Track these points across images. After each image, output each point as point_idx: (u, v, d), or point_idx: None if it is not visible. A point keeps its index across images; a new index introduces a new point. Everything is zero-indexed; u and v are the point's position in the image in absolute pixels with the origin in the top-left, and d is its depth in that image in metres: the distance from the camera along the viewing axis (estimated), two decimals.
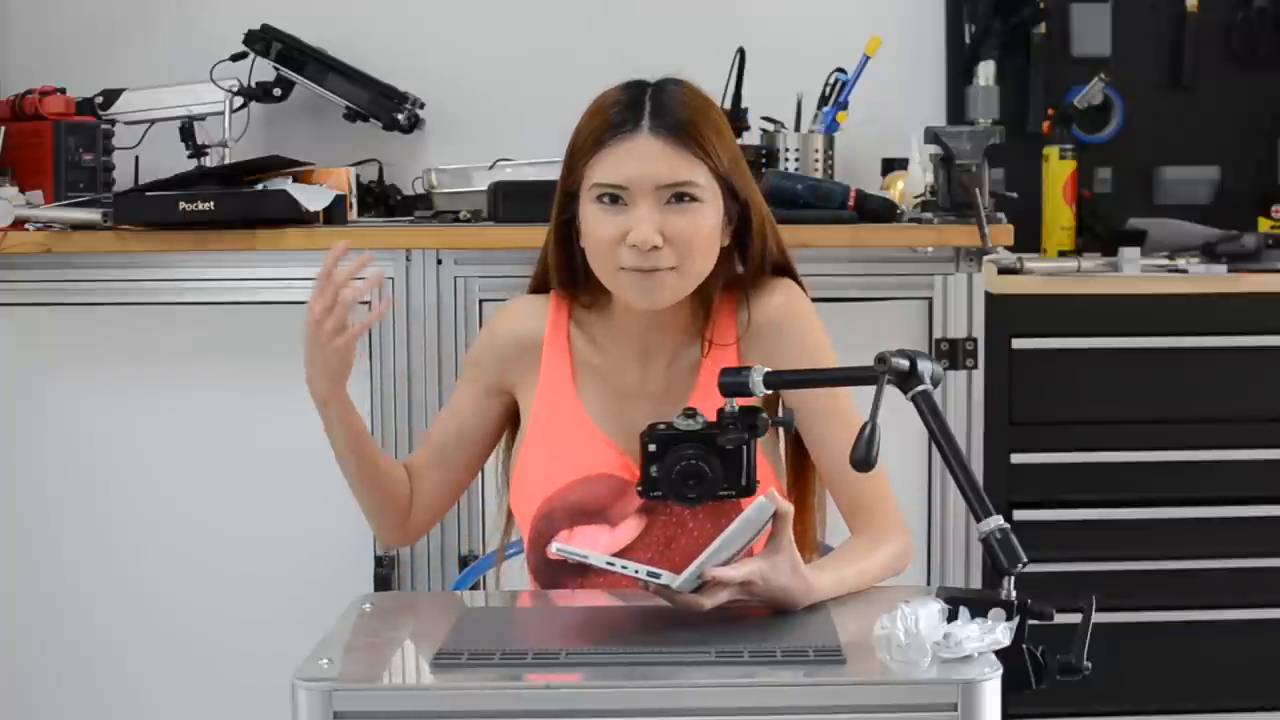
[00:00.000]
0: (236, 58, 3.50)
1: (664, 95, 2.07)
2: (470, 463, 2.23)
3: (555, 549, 1.83)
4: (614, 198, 2.03)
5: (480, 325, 3.15)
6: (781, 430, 2.15)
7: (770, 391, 1.97)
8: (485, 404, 2.20)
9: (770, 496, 1.79)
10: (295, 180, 3.21)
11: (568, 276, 2.16)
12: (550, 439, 2.13)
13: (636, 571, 1.79)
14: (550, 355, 2.15)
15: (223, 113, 3.41)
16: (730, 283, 2.15)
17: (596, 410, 2.13)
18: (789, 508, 1.83)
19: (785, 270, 2.17)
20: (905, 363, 1.81)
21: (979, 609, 1.69)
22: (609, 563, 1.80)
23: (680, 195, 2.03)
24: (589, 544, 2.05)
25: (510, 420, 2.23)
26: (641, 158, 2.02)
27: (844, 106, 3.45)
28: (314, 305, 2.02)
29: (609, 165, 2.03)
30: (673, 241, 2.02)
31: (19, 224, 3.10)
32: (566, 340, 2.16)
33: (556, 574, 2.11)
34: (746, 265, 2.15)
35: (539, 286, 2.22)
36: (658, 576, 1.77)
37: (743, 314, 2.14)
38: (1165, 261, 3.48)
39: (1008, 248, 3.27)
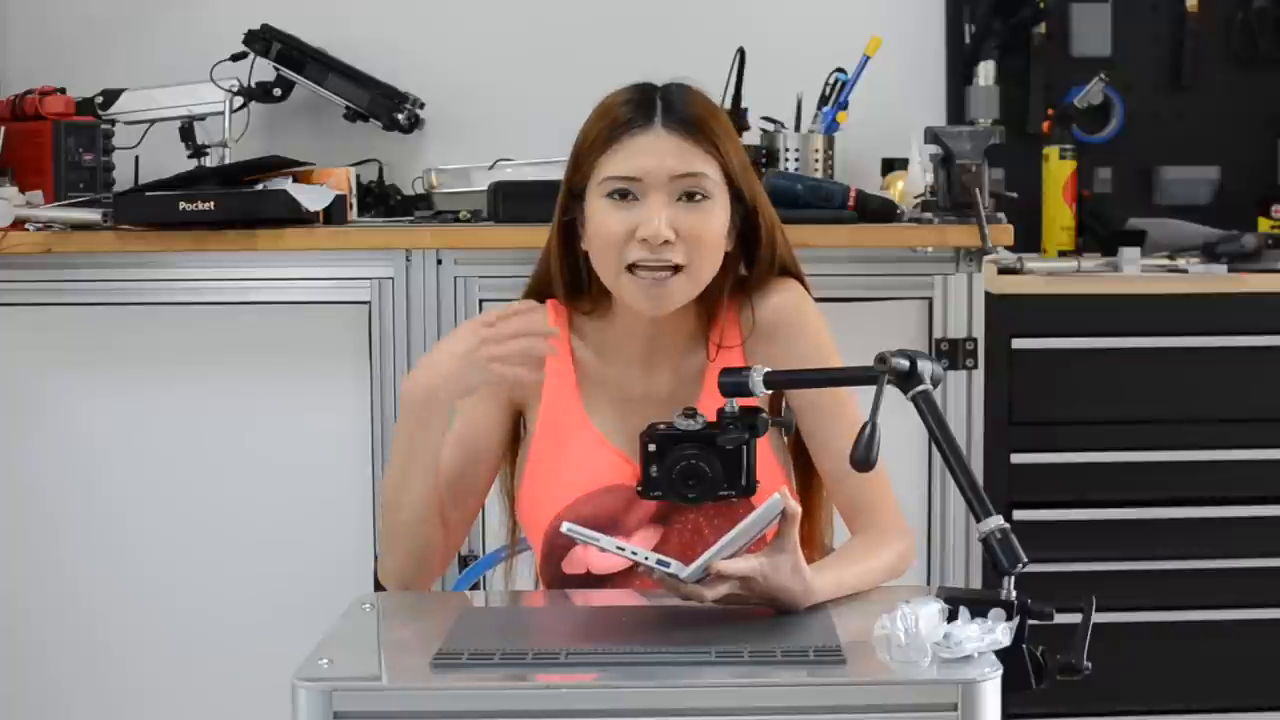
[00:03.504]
0: (236, 58, 3.50)
1: (674, 95, 2.07)
2: (489, 479, 2.18)
3: (565, 528, 1.82)
4: (624, 192, 2.02)
5: None
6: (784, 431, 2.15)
7: (770, 392, 1.97)
8: (503, 422, 2.16)
9: (783, 495, 1.79)
10: (295, 180, 3.21)
11: (569, 281, 2.15)
12: (559, 452, 2.11)
13: (646, 558, 1.79)
14: (554, 366, 2.12)
15: (223, 113, 3.40)
16: (735, 287, 2.14)
17: (603, 420, 2.11)
18: (798, 509, 1.83)
19: (793, 274, 2.17)
20: (905, 363, 1.82)
21: (979, 609, 1.69)
22: (619, 547, 1.80)
23: (692, 192, 2.03)
24: (608, 554, 2.03)
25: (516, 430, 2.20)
26: (654, 152, 2.02)
27: (844, 106, 3.45)
28: (494, 324, 1.96)
29: (621, 158, 2.03)
30: (683, 238, 2.02)
31: (19, 224, 3.10)
32: (569, 350, 2.15)
33: (571, 589, 2.10)
34: (753, 270, 2.14)
35: (533, 296, 2.19)
36: (667, 565, 1.77)
37: (746, 316, 2.13)
38: (1165, 261, 3.48)
39: (1008, 248, 3.28)
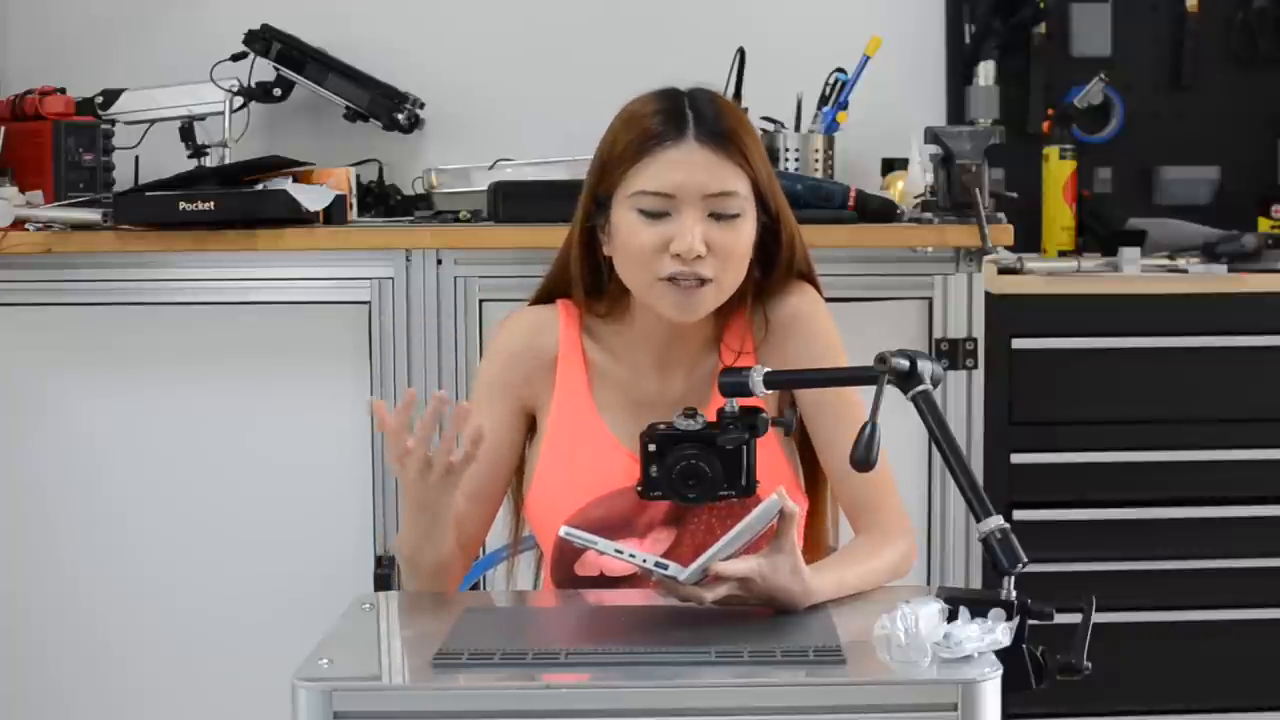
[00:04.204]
0: (236, 58, 3.50)
1: (703, 104, 2.05)
2: (507, 484, 2.18)
3: (564, 532, 1.82)
4: (657, 207, 2.01)
5: (480, 326, 3.16)
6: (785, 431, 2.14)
7: (771, 392, 1.97)
8: (516, 425, 2.15)
9: (780, 495, 1.79)
10: (295, 180, 3.21)
11: (590, 284, 2.14)
12: (571, 455, 2.11)
13: (645, 561, 1.79)
14: (565, 368, 2.13)
15: (223, 113, 3.40)
16: (754, 293, 2.13)
17: (615, 422, 2.11)
18: (795, 509, 1.83)
19: (808, 277, 2.17)
20: (905, 363, 1.82)
21: (979, 609, 1.69)
22: (617, 550, 1.80)
23: (723, 209, 2.02)
24: None
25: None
26: (688, 166, 2.01)
27: (844, 106, 3.45)
28: (391, 458, 1.91)
29: (653, 172, 2.01)
30: (715, 253, 2.01)
31: (19, 224, 3.10)
32: (581, 352, 2.14)
33: (584, 590, 2.10)
34: (769, 275, 2.13)
35: (545, 296, 2.19)
36: (665, 568, 1.77)
37: (759, 320, 2.13)
38: (1165, 261, 3.48)
39: (1008, 248, 3.28)
